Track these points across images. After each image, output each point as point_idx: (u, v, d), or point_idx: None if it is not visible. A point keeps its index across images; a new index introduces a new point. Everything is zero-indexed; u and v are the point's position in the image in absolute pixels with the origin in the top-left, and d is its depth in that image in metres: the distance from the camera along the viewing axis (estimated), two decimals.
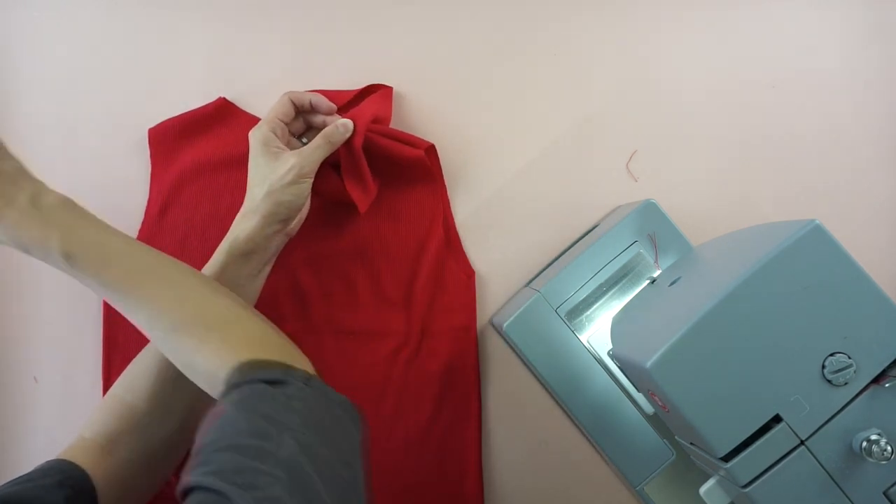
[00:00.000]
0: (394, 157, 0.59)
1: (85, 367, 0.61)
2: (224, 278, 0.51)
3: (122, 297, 0.44)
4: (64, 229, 0.45)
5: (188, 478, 0.33)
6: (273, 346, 0.43)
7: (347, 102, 0.61)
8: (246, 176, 0.55)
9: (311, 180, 0.53)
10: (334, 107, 0.57)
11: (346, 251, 0.61)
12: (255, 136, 0.53)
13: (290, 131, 0.57)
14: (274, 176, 0.52)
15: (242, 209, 0.53)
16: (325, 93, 0.60)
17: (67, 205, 0.47)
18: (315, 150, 0.53)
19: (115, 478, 0.47)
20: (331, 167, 0.57)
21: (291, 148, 0.55)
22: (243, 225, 0.52)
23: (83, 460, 0.46)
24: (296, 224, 0.56)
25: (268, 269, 0.56)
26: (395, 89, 0.63)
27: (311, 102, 0.56)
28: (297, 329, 0.60)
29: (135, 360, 0.51)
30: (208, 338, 0.42)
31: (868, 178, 0.63)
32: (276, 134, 0.54)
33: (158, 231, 0.60)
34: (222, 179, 0.61)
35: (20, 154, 0.63)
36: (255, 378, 0.38)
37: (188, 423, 0.50)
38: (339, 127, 0.54)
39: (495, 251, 0.63)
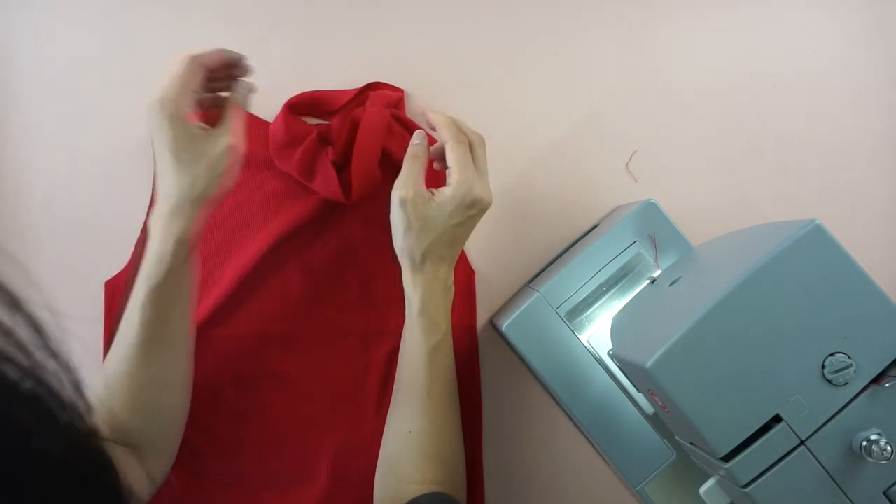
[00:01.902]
0: (398, 149, 0.59)
1: (85, 368, 0.61)
2: (178, 274, 0.48)
3: (427, 401, 0.50)
4: (447, 328, 0.52)
5: None
6: (462, 497, 0.51)
7: (348, 102, 0.61)
8: (250, 176, 0.55)
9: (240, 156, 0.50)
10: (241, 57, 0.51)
11: (345, 251, 0.61)
12: (160, 117, 0.45)
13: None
14: (211, 158, 0.47)
15: (172, 200, 0.47)
16: (325, 93, 0.60)
17: (451, 307, 0.53)
18: (238, 122, 0.49)
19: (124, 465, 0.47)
20: (330, 163, 0.57)
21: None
22: (185, 219, 0.47)
23: None
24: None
25: (196, 253, 0.52)
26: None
27: (223, 61, 0.50)
28: (291, 331, 0.60)
29: (107, 365, 0.50)
30: (434, 468, 0.49)
31: (868, 179, 0.63)
32: (187, 108, 0.47)
33: None
34: None
35: (20, 153, 0.63)
36: None
37: (169, 421, 0.51)
38: (242, 89, 0.51)
39: (495, 251, 0.63)
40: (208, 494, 0.58)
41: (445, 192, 0.49)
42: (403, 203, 0.49)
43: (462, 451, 0.53)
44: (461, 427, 0.54)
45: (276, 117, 0.59)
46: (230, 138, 0.48)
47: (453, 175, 0.50)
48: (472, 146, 0.52)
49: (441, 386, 0.52)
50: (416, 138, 0.53)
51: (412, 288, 0.52)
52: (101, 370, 0.50)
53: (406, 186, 0.49)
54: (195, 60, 0.47)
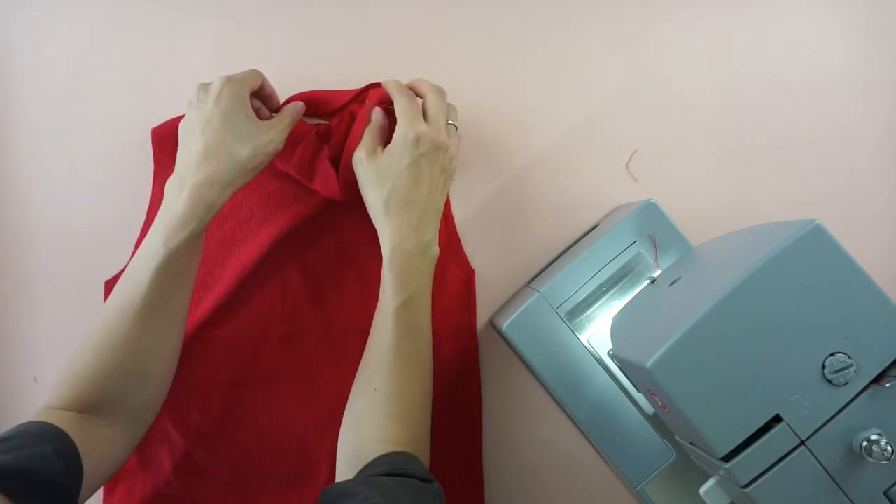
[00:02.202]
0: None
1: None
2: (191, 244, 0.49)
3: (392, 359, 0.50)
4: (419, 286, 0.52)
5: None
6: (425, 457, 0.51)
7: (348, 102, 0.61)
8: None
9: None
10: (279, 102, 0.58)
11: (345, 251, 0.61)
12: (234, 91, 0.51)
13: None
14: (260, 141, 0.51)
15: (216, 164, 0.49)
16: (325, 93, 0.60)
17: (433, 267, 0.54)
18: (287, 127, 0.54)
19: (93, 444, 0.46)
20: (328, 161, 0.57)
21: None
22: (222, 188, 0.49)
23: (63, 426, 0.45)
24: None
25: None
26: None
27: (267, 92, 0.57)
28: (294, 331, 0.60)
29: (88, 337, 0.50)
30: (399, 428, 0.49)
31: (868, 178, 0.63)
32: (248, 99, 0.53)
33: None
34: None
35: (20, 153, 0.63)
36: (411, 471, 0.45)
37: (157, 389, 0.52)
38: (299, 107, 0.56)
39: (495, 251, 0.63)
40: (208, 494, 0.58)
41: (392, 140, 0.52)
42: (359, 161, 0.52)
43: (428, 413, 0.52)
44: (430, 389, 0.53)
45: None
46: (280, 133, 0.53)
47: (398, 121, 0.52)
48: (426, 95, 0.54)
49: (409, 345, 0.51)
50: (374, 114, 0.55)
51: (382, 243, 0.52)
52: (87, 335, 0.49)
53: (360, 149, 0.53)
54: (257, 71, 0.55)
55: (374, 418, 0.49)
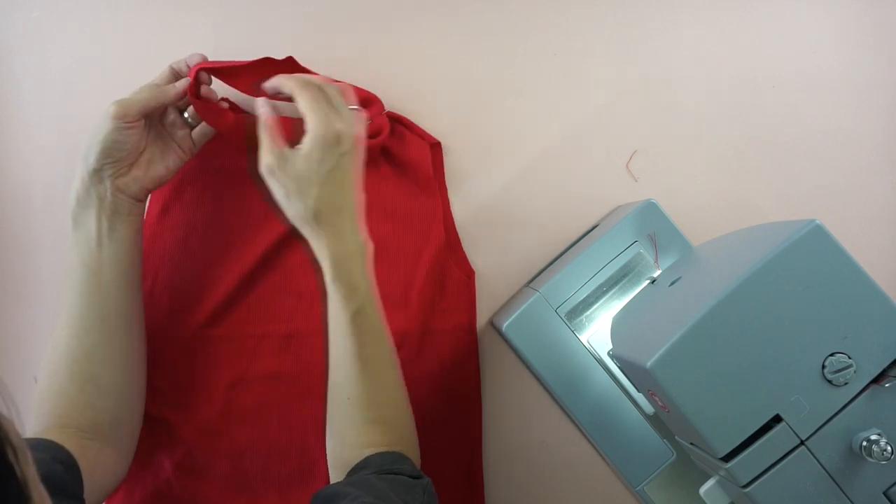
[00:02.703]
0: (400, 150, 0.59)
1: None
2: (75, 238, 0.51)
3: (358, 365, 0.49)
4: (368, 289, 0.49)
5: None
6: (416, 459, 0.50)
7: (250, 74, 0.55)
8: (249, 177, 0.55)
9: (129, 126, 0.50)
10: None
11: None
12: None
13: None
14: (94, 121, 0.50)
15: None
16: (225, 64, 0.56)
17: (371, 261, 0.51)
18: (139, 94, 0.51)
19: (86, 454, 0.46)
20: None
21: (178, 126, 0.55)
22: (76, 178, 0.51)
23: (57, 438, 0.46)
24: (130, 181, 0.51)
25: (123, 228, 0.51)
26: (397, 89, 0.63)
27: (186, 64, 0.55)
28: (294, 330, 0.60)
29: (50, 353, 0.51)
30: (380, 432, 0.49)
31: (868, 178, 0.63)
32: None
33: (160, 231, 0.60)
34: (224, 179, 0.61)
35: (20, 153, 0.63)
36: (399, 469, 0.45)
37: (123, 397, 0.52)
38: (176, 84, 0.54)
39: (495, 251, 0.63)
40: (208, 494, 0.58)
41: (306, 142, 0.47)
42: (271, 172, 0.47)
43: (406, 409, 0.51)
44: (402, 385, 0.51)
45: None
46: (111, 104, 0.50)
47: (308, 120, 0.47)
48: (323, 88, 0.49)
49: (371, 349, 0.49)
50: (260, 108, 0.50)
51: (319, 254, 0.49)
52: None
53: (266, 155, 0.47)
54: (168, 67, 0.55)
55: (354, 426, 0.49)
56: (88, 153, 0.50)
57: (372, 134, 0.59)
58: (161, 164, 0.54)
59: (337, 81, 0.53)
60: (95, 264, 0.50)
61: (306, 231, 0.49)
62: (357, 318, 0.48)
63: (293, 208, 0.48)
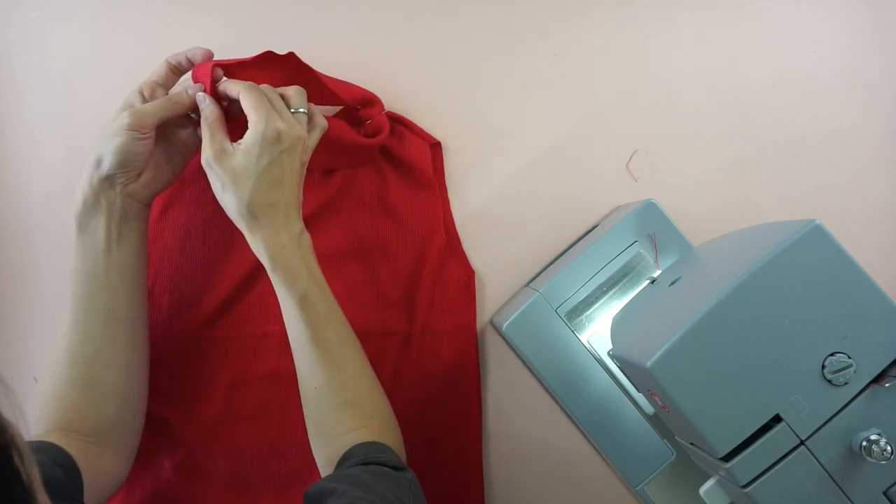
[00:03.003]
0: (400, 150, 0.59)
1: None
2: (81, 246, 0.50)
3: (317, 351, 0.49)
4: (310, 275, 0.50)
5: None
6: (395, 439, 0.50)
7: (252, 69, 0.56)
8: None
9: (144, 137, 0.49)
10: (210, 57, 0.54)
11: (346, 251, 0.61)
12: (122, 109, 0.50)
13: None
14: (104, 128, 0.49)
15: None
16: (228, 62, 0.55)
17: (312, 250, 0.52)
18: (155, 105, 0.50)
19: (87, 456, 0.46)
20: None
21: (182, 125, 0.54)
22: (80, 186, 0.50)
23: (58, 441, 0.46)
24: (140, 187, 0.51)
25: (132, 234, 0.52)
26: (397, 89, 0.63)
27: (186, 58, 0.54)
28: None
29: (52, 358, 0.50)
30: (351, 413, 0.49)
31: (868, 178, 0.63)
32: (142, 94, 0.51)
33: (160, 232, 0.60)
34: None
35: (20, 153, 0.63)
36: (384, 460, 0.45)
37: (125, 402, 0.51)
38: (189, 89, 0.52)
39: (495, 251, 0.63)
40: (208, 494, 0.58)
41: (246, 138, 0.49)
42: (209, 164, 0.49)
43: (375, 387, 0.51)
44: (364, 363, 0.52)
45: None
46: (126, 114, 0.49)
47: (250, 118, 0.49)
48: (266, 91, 0.51)
49: (325, 332, 0.50)
50: (200, 103, 0.51)
51: (255, 247, 0.50)
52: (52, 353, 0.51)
53: (206, 148, 0.49)
54: (164, 61, 0.54)
55: (327, 416, 0.49)
56: (101, 161, 0.49)
57: (371, 133, 0.60)
58: (168, 166, 0.54)
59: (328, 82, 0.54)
60: (102, 270, 0.50)
61: (241, 225, 0.50)
62: (304, 306, 0.49)
63: (228, 201, 0.49)
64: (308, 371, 0.50)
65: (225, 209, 0.50)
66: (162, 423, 0.58)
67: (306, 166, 0.53)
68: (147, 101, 0.51)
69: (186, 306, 0.59)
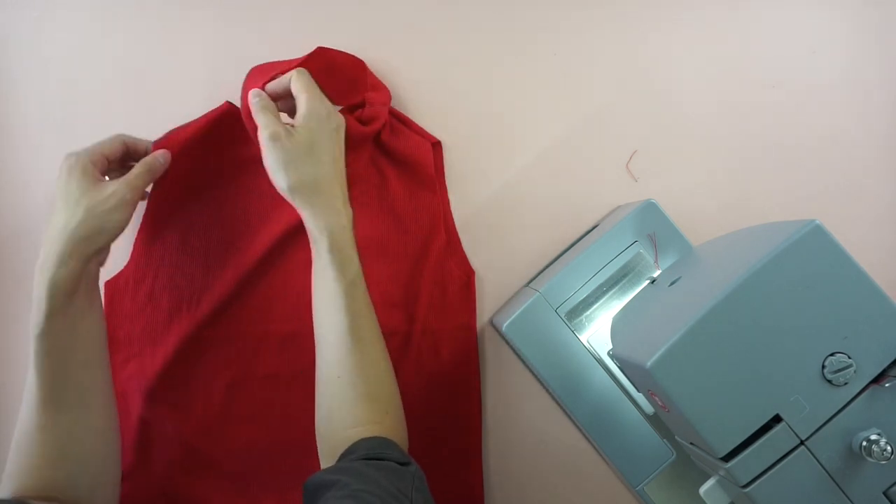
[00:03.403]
0: (401, 148, 0.59)
1: None
2: (59, 322, 0.47)
3: (350, 341, 0.49)
4: (359, 263, 0.51)
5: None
6: (403, 438, 0.50)
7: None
8: (249, 178, 0.54)
9: (133, 209, 0.50)
10: (150, 145, 0.55)
11: None
12: (70, 163, 0.49)
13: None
14: (93, 201, 0.48)
15: (48, 245, 0.48)
16: (279, 64, 0.57)
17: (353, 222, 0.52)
18: (137, 178, 0.51)
19: None
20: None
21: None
22: (58, 259, 0.47)
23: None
24: (108, 251, 0.52)
25: (98, 298, 0.52)
26: (397, 89, 0.63)
27: (143, 150, 0.54)
28: (294, 330, 0.60)
29: (21, 434, 0.48)
30: (368, 407, 0.48)
31: (868, 178, 0.63)
32: (95, 166, 0.50)
33: (160, 231, 0.60)
34: (224, 179, 0.61)
35: (20, 153, 0.63)
36: (388, 455, 0.45)
37: (100, 469, 0.50)
38: (159, 157, 0.53)
39: (495, 251, 0.63)
40: (208, 494, 0.58)
41: (301, 115, 0.50)
42: (275, 138, 0.49)
43: (393, 385, 0.51)
44: (388, 360, 0.52)
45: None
46: (122, 188, 0.49)
47: (301, 97, 0.51)
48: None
49: (363, 322, 0.50)
50: (254, 97, 0.52)
51: (314, 224, 0.49)
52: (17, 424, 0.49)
53: (269, 127, 0.49)
54: (119, 137, 0.53)
55: (343, 406, 0.49)
56: (98, 235, 0.48)
57: (366, 120, 0.59)
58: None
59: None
60: (78, 341, 0.49)
61: (302, 201, 0.50)
62: (351, 290, 0.49)
63: (292, 176, 0.49)
64: (335, 358, 0.49)
65: (283, 187, 0.50)
66: (162, 423, 0.58)
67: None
68: (99, 172, 0.50)
69: (186, 306, 0.59)
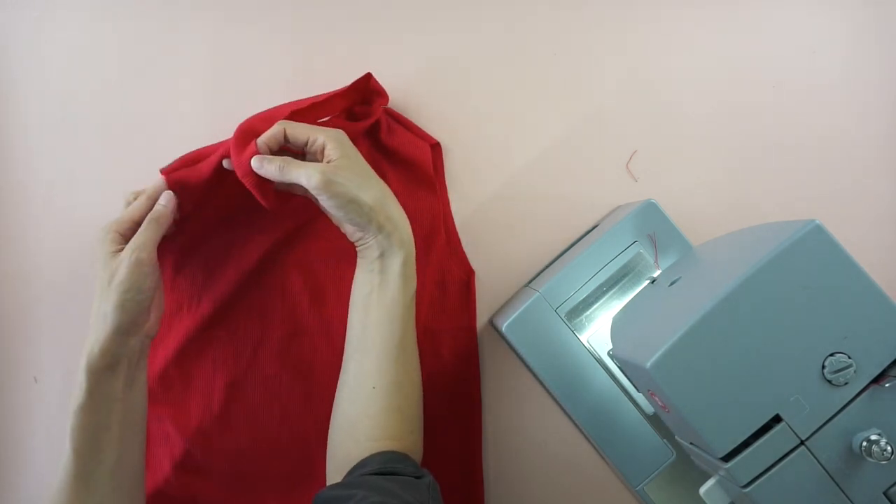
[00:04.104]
0: (400, 149, 0.59)
1: None
2: (96, 398, 0.48)
3: (397, 353, 0.49)
4: (412, 291, 0.51)
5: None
6: (419, 457, 0.51)
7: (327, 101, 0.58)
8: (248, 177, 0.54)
9: (151, 267, 0.48)
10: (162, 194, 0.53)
11: (346, 251, 0.61)
12: (97, 238, 0.49)
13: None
14: (109, 276, 0.48)
15: (91, 321, 0.49)
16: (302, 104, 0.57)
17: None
18: (141, 235, 0.49)
19: None
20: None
21: None
22: (94, 338, 0.48)
23: None
24: (154, 322, 0.52)
25: (142, 375, 0.52)
26: (396, 89, 0.63)
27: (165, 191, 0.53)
28: (293, 331, 0.60)
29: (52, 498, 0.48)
30: (397, 421, 0.49)
31: (868, 178, 0.63)
32: (123, 235, 0.50)
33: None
34: (225, 179, 0.61)
35: (20, 153, 0.63)
36: (401, 470, 0.45)
37: None
38: (160, 207, 0.51)
39: (495, 251, 0.63)
40: (208, 494, 0.58)
41: (329, 151, 0.49)
42: (328, 182, 0.47)
43: (422, 407, 0.52)
44: (420, 379, 0.53)
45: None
46: (126, 254, 0.48)
47: (311, 137, 0.49)
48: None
49: (411, 340, 0.51)
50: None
51: (397, 246, 0.50)
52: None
53: (312, 178, 0.47)
54: (143, 198, 0.52)
55: (370, 416, 0.49)
56: (122, 307, 0.47)
57: (360, 116, 0.59)
58: (158, 290, 0.52)
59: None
60: (114, 420, 0.49)
61: (375, 229, 0.49)
62: (411, 304, 0.51)
63: (365, 198, 0.48)
64: (376, 369, 0.49)
65: (356, 212, 0.48)
66: (162, 423, 0.58)
67: None
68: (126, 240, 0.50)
69: (186, 306, 0.59)
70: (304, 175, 0.47)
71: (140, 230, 0.49)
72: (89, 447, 0.48)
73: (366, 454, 0.46)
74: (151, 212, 0.51)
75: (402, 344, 0.50)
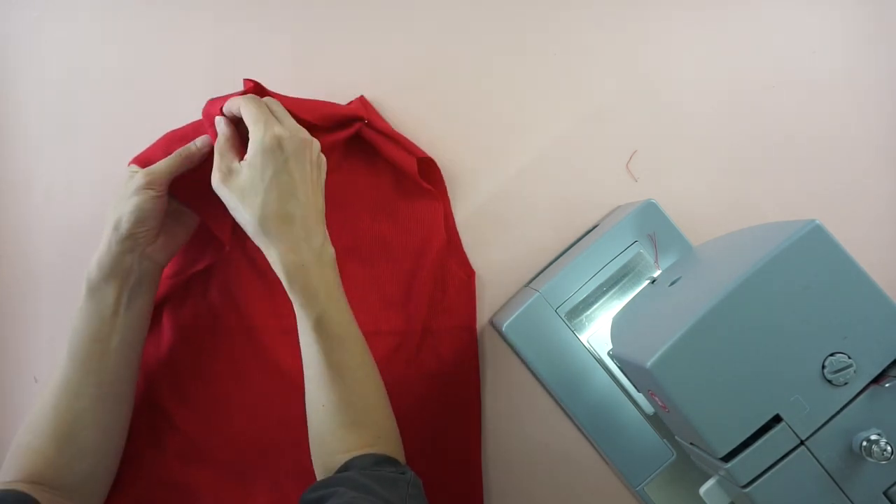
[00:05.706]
0: (390, 158, 0.59)
1: None
2: (90, 307, 0.49)
3: (329, 373, 0.48)
4: (328, 295, 0.48)
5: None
6: (398, 454, 0.50)
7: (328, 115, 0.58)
8: None
9: (159, 194, 0.49)
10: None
11: (346, 251, 0.61)
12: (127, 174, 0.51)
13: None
14: (119, 191, 0.49)
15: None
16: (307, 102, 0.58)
17: (334, 264, 0.50)
18: (164, 162, 0.50)
19: None
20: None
21: None
22: (100, 249, 0.49)
23: (26, 491, 0.45)
24: (161, 248, 0.53)
25: (142, 301, 0.52)
26: (397, 88, 0.63)
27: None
28: (288, 325, 0.59)
29: (35, 411, 0.50)
30: (357, 434, 0.48)
31: (868, 178, 0.63)
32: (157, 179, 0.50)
33: None
34: None
35: (20, 153, 0.63)
36: (387, 468, 0.46)
37: (100, 460, 0.51)
38: (191, 145, 0.52)
39: (495, 251, 0.63)
40: (206, 481, 0.58)
41: (248, 152, 0.47)
42: (218, 187, 0.47)
43: (384, 409, 0.51)
44: (378, 385, 0.51)
45: None
46: (138, 175, 0.49)
47: (250, 129, 0.47)
48: (267, 103, 0.50)
49: (340, 355, 0.48)
50: (217, 126, 0.51)
51: (273, 265, 0.48)
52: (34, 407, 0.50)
53: (215, 172, 0.47)
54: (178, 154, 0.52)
55: (331, 432, 0.48)
56: (120, 222, 0.49)
57: (338, 123, 0.58)
58: (180, 227, 0.54)
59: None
60: (105, 334, 0.50)
61: (257, 241, 0.48)
62: (320, 325, 0.48)
63: (242, 220, 0.47)
64: (317, 389, 0.49)
65: (243, 228, 0.48)
66: (163, 412, 0.58)
67: (325, 170, 0.51)
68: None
69: (186, 298, 0.59)
70: (214, 164, 0.48)
71: (166, 159, 0.51)
72: (80, 354, 0.49)
73: (341, 462, 0.47)
74: (181, 149, 0.52)
75: (331, 364, 0.48)
